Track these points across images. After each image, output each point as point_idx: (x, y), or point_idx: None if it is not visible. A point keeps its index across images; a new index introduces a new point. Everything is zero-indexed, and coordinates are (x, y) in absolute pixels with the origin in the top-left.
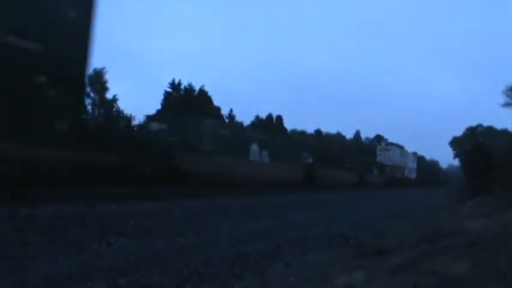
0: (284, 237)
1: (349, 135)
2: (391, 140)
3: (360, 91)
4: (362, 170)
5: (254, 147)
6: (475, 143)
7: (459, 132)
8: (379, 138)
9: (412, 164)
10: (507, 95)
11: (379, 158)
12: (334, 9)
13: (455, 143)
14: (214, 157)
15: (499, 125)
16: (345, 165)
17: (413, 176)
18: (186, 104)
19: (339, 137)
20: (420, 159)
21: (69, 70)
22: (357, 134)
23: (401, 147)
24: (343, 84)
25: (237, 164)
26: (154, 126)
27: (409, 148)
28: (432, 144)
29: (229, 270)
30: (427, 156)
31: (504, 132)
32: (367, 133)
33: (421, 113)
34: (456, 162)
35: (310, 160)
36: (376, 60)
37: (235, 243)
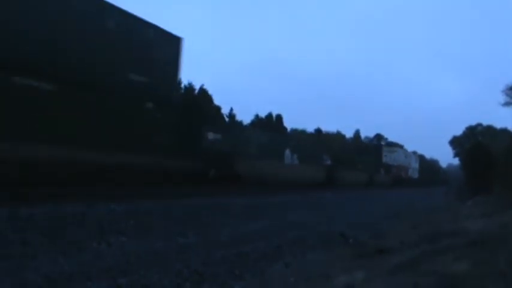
0: (284, 237)
1: (348, 134)
2: (391, 139)
3: (359, 90)
4: (372, 171)
5: (287, 152)
6: (475, 142)
7: (459, 131)
8: (378, 137)
9: (415, 164)
10: (507, 94)
11: (384, 159)
12: (334, 8)
13: (455, 142)
14: (258, 161)
15: (498, 124)
16: (357, 166)
17: (416, 175)
18: (186, 103)
19: (338, 136)
20: (421, 159)
21: (168, 97)
22: (357, 133)
23: (401, 146)
24: (342, 83)
25: (275, 167)
26: (210, 136)
27: (409, 147)
28: (432, 143)
29: (229, 270)
30: (427, 155)
31: (504, 131)
32: (366, 132)
33: (421, 111)
34: (456, 161)
35: (329, 162)
36: (375, 59)
37: (236, 243)
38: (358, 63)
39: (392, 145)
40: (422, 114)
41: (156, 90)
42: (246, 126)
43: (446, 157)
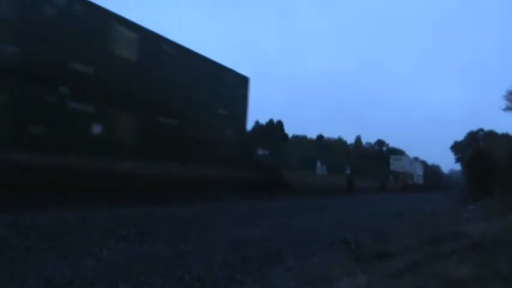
0: (286, 241)
1: (350, 140)
2: (392, 144)
3: (360, 96)
4: (383, 178)
5: (318, 164)
6: (477, 147)
7: (460, 136)
8: (380, 143)
9: (420, 171)
10: (508, 100)
11: (392, 167)
12: (335, 12)
13: (456, 147)
14: (299, 171)
15: (500, 130)
16: (370, 174)
17: (420, 181)
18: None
19: (340, 142)
20: (424, 165)
21: (242, 124)
22: (358, 139)
23: (405, 154)
24: (343, 89)
25: (311, 176)
26: (260, 151)
27: (411, 153)
28: (433, 148)
29: (230, 274)
30: (429, 161)
31: (505, 136)
32: (368, 138)
33: (422, 117)
34: (458, 166)
35: (349, 171)
36: (377, 64)
37: (237, 247)
38: (360, 69)
39: (398, 153)
40: (423, 119)
41: (232, 120)
42: (288, 141)
43: (448, 162)
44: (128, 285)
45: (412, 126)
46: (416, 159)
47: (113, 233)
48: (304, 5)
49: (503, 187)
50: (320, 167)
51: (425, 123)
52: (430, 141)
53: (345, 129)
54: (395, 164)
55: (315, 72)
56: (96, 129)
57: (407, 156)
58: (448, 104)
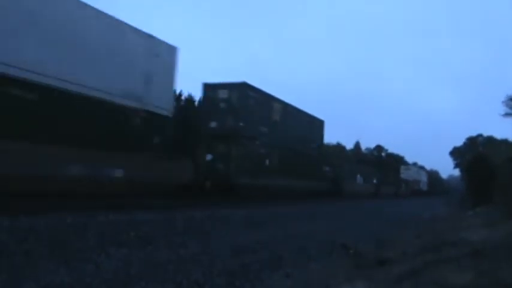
0: (286, 247)
1: (348, 145)
2: (391, 150)
3: (359, 102)
4: (397, 185)
5: (358, 176)
6: (476, 153)
7: (459, 142)
8: (379, 148)
9: (424, 179)
10: (507, 105)
11: (402, 175)
12: (335, 17)
13: (455, 153)
14: (348, 182)
15: (499, 135)
16: (389, 181)
17: (425, 187)
18: (186, 116)
19: (339, 147)
20: (427, 173)
21: (320, 149)
22: (357, 145)
23: (401, 158)
24: (341, 94)
25: (356, 185)
26: (325, 168)
27: (410, 158)
28: (432, 154)
29: (230, 281)
30: (428, 166)
31: (504, 142)
32: (366, 143)
33: (421, 123)
34: (456, 172)
35: (375, 181)
36: (375, 69)
37: (237, 254)
38: (355, 74)
39: (398, 159)
40: (422, 125)
41: (315, 148)
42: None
43: (447, 168)
44: None
45: (411, 131)
46: (421, 167)
47: (113, 239)
48: (303, 15)
49: (502, 193)
50: (359, 178)
51: (424, 129)
52: (428, 147)
53: (343, 135)
54: (405, 173)
55: (312, 79)
56: (266, 161)
57: (414, 166)
58: (447, 109)
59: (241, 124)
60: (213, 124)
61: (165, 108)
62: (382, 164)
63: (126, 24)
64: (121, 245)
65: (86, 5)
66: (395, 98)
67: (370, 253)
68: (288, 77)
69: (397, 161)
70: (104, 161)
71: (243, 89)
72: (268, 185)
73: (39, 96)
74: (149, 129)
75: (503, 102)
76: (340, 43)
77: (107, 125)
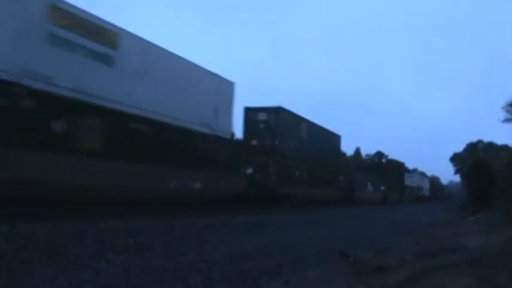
0: (285, 255)
1: (349, 151)
2: (391, 156)
3: (358, 107)
4: (402, 192)
5: (369, 184)
6: (476, 159)
7: (460, 148)
8: (379, 154)
9: (427, 185)
10: (507, 111)
11: (406, 182)
12: (334, 24)
13: (455, 158)
14: (360, 190)
15: (499, 141)
16: (396, 188)
17: (427, 193)
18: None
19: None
20: (430, 180)
21: (337, 160)
22: (357, 151)
23: (401, 163)
24: (341, 100)
25: (367, 192)
26: (342, 177)
27: (410, 164)
28: (433, 160)
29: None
30: (428, 172)
31: (504, 147)
32: (367, 150)
33: (421, 128)
34: (457, 178)
35: (383, 188)
36: (375, 76)
37: (235, 261)
38: (355, 80)
39: (398, 164)
40: (422, 131)
41: (335, 159)
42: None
43: (448, 174)
44: None
45: (411, 137)
46: (423, 174)
47: (112, 246)
48: (300, 17)
49: (501, 199)
50: (370, 186)
51: (424, 135)
52: (429, 153)
53: (343, 141)
54: (409, 180)
55: (312, 86)
56: (297, 173)
57: (418, 173)
58: (448, 115)
59: (276, 142)
60: (254, 142)
61: (227, 132)
62: (387, 170)
63: (204, 69)
64: (120, 252)
65: (179, 57)
66: (395, 104)
67: (369, 260)
68: (287, 83)
69: (398, 167)
70: (190, 176)
71: (278, 112)
72: (298, 194)
73: (149, 128)
74: (217, 150)
75: (503, 108)
76: (340, 48)
77: (191, 148)
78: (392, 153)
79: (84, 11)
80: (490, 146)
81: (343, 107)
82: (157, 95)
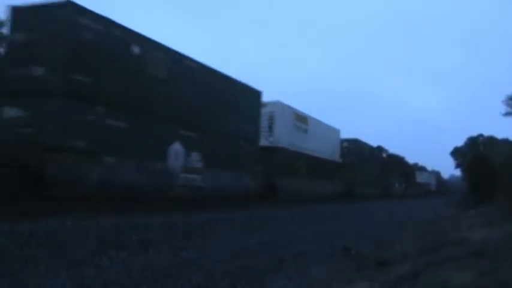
0: (288, 250)
1: None
2: (392, 150)
3: (358, 101)
4: (415, 187)
5: (397, 184)
6: (477, 153)
7: (460, 142)
8: (380, 149)
9: (434, 181)
10: (508, 105)
11: (417, 179)
12: (334, 22)
13: (456, 153)
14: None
15: (500, 135)
16: (412, 184)
17: (434, 189)
18: None
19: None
20: (436, 176)
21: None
22: None
23: (402, 158)
24: (342, 96)
25: (395, 190)
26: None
27: (411, 159)
28: (433, 154)
29: (232, 284)
30: (429, 167)
31: (505, 141)
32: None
33: (422, 123)
34: (458, 172)
35: (404, 185)
36: (376, 70)
37: (238, 257)
38: (355, 75)
39: (401, 159)
40: (423, 125)
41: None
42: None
43: (448, 168)
44: None
45: (411, 132)
46: (430, 171)
47: (114, 242)
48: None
49: (503, 193)
50: (397, 184)
51: (425, 129)
52: (429, 147)
53: (343, 136)
54: (419, 177)
55: (310, 81)
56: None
57: (427, 170)
58: (448, 109)
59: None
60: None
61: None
62: (397, 168)
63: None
64: (122, 249)
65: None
66: (396, 99)
67: (371, 254)
68: (285, 78)
69: (399, 163)
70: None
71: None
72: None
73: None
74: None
75: (503, 101)
76: (339, 44)
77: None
78: (393, 147)
79: (301, 112)
80: (491, 140)
81: (340, 101)
82: (316, 145)
